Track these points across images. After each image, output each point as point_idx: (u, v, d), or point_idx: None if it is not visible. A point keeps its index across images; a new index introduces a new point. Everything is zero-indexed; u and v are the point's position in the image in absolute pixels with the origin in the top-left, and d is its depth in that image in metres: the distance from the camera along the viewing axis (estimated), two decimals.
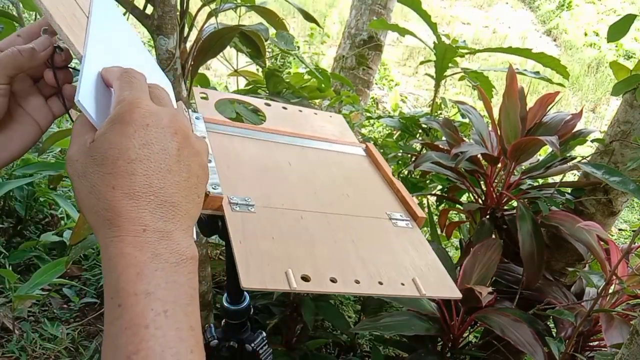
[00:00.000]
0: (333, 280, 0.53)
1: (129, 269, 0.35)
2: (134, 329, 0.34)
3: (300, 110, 0.90)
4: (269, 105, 0.88)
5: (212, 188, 0.58)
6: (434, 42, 1.72)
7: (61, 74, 0.48)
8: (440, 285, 0.58)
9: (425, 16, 1.73)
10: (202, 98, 0.82)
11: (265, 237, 0.56)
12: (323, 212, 0.64)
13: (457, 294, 0.57)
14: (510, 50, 1.70)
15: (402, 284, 0.55)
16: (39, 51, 0.46)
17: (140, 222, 0.36)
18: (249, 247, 0.53)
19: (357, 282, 0.54)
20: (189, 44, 1.39)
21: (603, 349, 1.25)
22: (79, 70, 0.43)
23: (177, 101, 0.70)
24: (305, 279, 0.51)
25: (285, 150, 0.76)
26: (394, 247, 0.62)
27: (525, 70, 1.66)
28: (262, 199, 0.62)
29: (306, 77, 1.72)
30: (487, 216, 1.47)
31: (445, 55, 1.72)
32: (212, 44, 1.33)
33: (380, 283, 0.55)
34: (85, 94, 0.40)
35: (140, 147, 0.37)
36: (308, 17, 1.49)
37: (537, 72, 1.69)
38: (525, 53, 1.65)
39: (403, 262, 0.60)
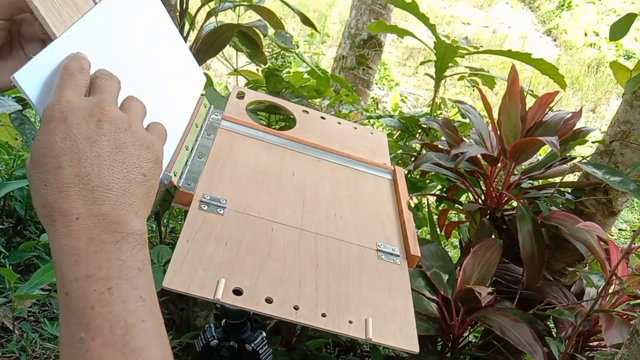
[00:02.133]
0: (268, 301, 0.50)
1: (68, 258, 0.37)
2: (80, 312, 0.36)
3: (339, 123, 0.86)
4: (307, 112, 0.85)
5: (187, 184, 0.57)
6: (434, 42, 1.72)
7: None
8: (397, 334, 0.52)
9: (422, 18, 1.73)
10: (237, 97, 0.81)
11: (218, 242, 0.54)
12: (300, 229, 0.61)
13: (414, 348, 0.52)
14: (509, 54, 1.70)
15: (350, 322, 0.51)
16: None
17: (72, 212, 0.37)
18: (193, 248, 0.52)
19: (296, 308, 0.50)
20: (188, 44, 1.39)
21: (603, 349, 1.25)
22: None
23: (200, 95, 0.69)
24: (238, 292, 0.49)
25: (296, 159, 0.73)
26: (363, 280, 0.57)
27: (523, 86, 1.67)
28: (240, 203, 0.60)
29: (306, 76, 1.72)
30: (487, 216, 1.47)
31: (445, 55, 1.72)
32: (212, 43, 1.33)
33: (324, 315, 0.51)
34: (31, 74, 0.40)
35: (62, 141, 0.38)
36: (306, 21, 1.49)
37: (531, 91, 1.70)
38: (524, 58, 1.65)
39: (366, 299, 0.55)
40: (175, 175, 0.57)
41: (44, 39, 0.49)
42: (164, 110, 0.57)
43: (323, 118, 0.86)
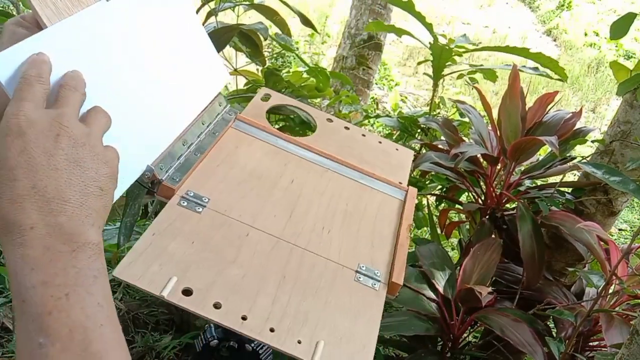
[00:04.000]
0: (216, 306, 0.49)
1: (24, 267, 0.37)
2: (39, 318, 0.36)
3: (364, 135, 0.83)
4: (331, 121, 0.82)
5: (171, 178, 0.58)
6: (430, 42, 1.71)
7: None
8: None
9: (419, 17, 1.73)
10: (262, 99, 0.80)
11: (186, 239, 0.53)
12: (277, 238, 0.59)
13: None
14: (508, 50, 1.70)
15: (299, 342, 0.49)
16: None
17: (27, 223, 0.38)
18: (156, 242, 0.51)
19: (244, 318, 0.49)
20: None
21: (603, 349, 1.25)
22: None
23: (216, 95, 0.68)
24: (187, 292, 0.49)
25: (301, 168, 0.71)
26: (330, 300, 0.54)
27: (524, 66, 1.65)
28: (222, 204, 0.59)
29: (305, 75, 1.71)
30: (487, 216, 1.47)
31: (441, 55, 1.71)
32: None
33: (272, 330, 0.49)
34: (7, 64, 0.40)
35: (19, 154, 0.38)
36: (306, 22, 1.49)
37: (536, 68, 1.68)
38: (523, 52, 1.65)
39: (326, 320, 0.52)
40: (161, 169, 0.57)
41: None
42: (160, 108, 0.58)
43: (347, 128, 0.82)
